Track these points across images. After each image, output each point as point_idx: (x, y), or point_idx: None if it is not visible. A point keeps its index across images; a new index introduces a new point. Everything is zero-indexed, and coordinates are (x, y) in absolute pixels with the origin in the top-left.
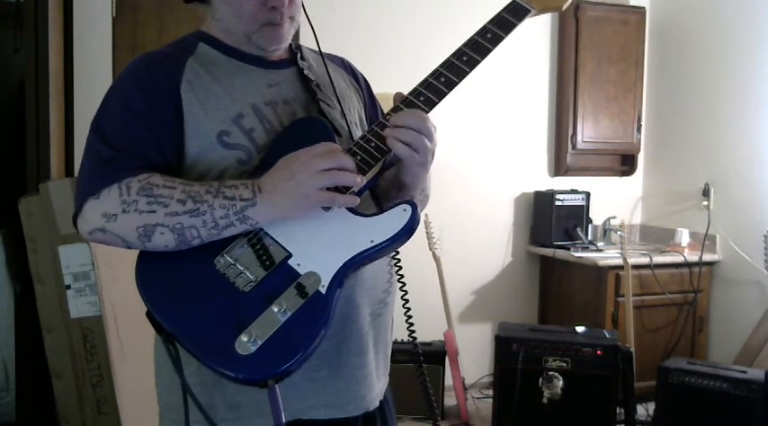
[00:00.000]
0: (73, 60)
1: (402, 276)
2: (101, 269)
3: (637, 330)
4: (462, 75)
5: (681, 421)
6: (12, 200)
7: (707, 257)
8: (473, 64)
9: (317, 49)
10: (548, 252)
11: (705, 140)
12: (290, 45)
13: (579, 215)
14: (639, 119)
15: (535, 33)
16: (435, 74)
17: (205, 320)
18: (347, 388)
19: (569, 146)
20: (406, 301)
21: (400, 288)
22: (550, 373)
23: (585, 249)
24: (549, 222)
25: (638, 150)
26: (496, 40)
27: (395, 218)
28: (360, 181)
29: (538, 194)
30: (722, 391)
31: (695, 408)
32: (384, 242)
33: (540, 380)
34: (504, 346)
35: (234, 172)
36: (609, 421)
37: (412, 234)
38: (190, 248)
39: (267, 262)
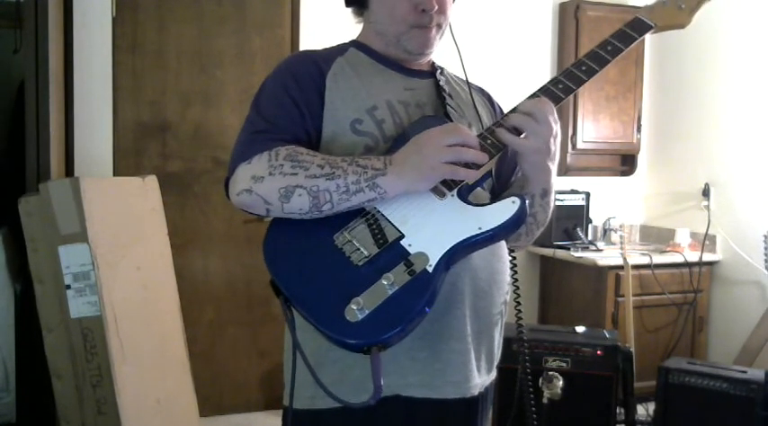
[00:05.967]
0: (73, 60)
1: (515, 272)
2: (101, 269)
3: (637, 330)
4: (579, 83)
5: (681, 421)
6: (12, 200)
7: (707, 257)
8: (591, 73)
9: (462, 71)
10: (548, 252)
11: (705, 140)
12: (433, 63)
13: (579, 215)
14: (639, 119)
15: (535, 33)
16: (553, 81)
17: (320, 288)
18: (444, 370)
19: (569, 145)
20: (518, 290)
21: (514, 291)
22: (550, 373)
23: (585, 249)
24: (549, 222)
25: (638, 150)
26: (615, 53)
27: (503, 209)
28: (482, 157)
29: None
30: (722, 391)
31: (695, 408)
32: (490, 230)
33: (540, 380)
34: (504, 346)
35: None
36: (609, 421)
37: (519, 225)
38: (313, 223)
39: (381, 241)
